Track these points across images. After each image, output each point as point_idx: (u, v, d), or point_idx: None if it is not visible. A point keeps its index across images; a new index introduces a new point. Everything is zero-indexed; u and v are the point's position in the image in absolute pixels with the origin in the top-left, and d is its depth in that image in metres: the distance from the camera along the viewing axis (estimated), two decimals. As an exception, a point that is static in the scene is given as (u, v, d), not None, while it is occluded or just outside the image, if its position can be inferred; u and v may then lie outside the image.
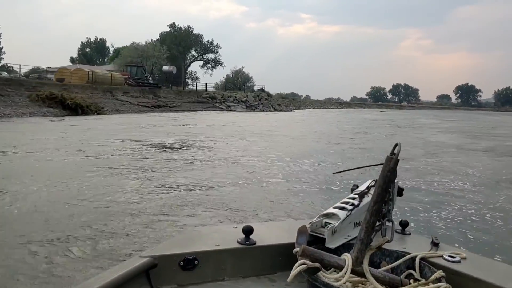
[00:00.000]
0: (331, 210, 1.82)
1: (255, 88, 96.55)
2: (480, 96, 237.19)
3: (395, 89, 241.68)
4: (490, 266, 1.71)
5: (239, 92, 68.82)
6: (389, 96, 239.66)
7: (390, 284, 1.46)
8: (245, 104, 64.51)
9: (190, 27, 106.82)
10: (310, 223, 1.72)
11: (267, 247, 1.71)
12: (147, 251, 1.56)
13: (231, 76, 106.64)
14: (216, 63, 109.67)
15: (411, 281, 1.48)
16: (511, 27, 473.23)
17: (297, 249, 1.51)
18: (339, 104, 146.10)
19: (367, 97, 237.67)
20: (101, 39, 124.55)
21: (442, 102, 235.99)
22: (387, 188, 1.49)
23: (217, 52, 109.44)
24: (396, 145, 1.50)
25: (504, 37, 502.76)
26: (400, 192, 2.04)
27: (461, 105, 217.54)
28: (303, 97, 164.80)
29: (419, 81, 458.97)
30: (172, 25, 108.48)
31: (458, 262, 1.64)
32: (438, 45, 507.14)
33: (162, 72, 75.37)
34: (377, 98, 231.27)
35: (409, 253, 1.67)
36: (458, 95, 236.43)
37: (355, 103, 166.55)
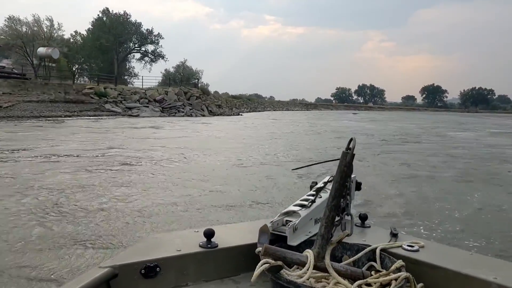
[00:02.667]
0: (291, 208, 1.75)
1: (200, 83, 72.17)
2: (446, 97, 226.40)
3: (361, 89, 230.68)
4: (448, 253, 1.69)
5: (158, 88, 43.63)
6: (355, 97, 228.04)
7: (352, 277, 1.41)
8: (161, 105, 39.59)
9: (127, 14, 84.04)
10: (271, 222, 1.64)
11: (229, 249, 1.62)
12: (107, 261, 1.44)
13: (173, 71, 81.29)
14: (156, 56, 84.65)
15: (373, 272, 1.43)
16: (469, 30, 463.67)
17: (259, 248, 1.42)
18: (304, 105, 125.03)
19: (332, 98, 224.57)
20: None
21: (408, 103, 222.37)
22: (344, 183, 1.45)
23: (157, 43, 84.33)
24: (351, 140, 1.44)
25: (463, 40, 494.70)
26: (358, 186, 2.06)
27: (427, 106, 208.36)
28: (266, 98, 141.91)
29: (383, 82, 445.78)
30: (105, 11, 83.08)
31: (417, 251, 1.62)
32: (400, 47, 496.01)
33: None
34: (342, 99, 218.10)
35: (370, 245, 1.63)
36: (424, 95, 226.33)
37: (321, 104, 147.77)
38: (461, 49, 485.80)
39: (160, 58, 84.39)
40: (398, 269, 1.44)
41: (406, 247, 1.64)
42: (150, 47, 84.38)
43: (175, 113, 41.17)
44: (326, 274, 1.42)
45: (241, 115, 53.25)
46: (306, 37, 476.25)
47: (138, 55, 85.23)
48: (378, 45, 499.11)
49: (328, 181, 1.87)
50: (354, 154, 1.44)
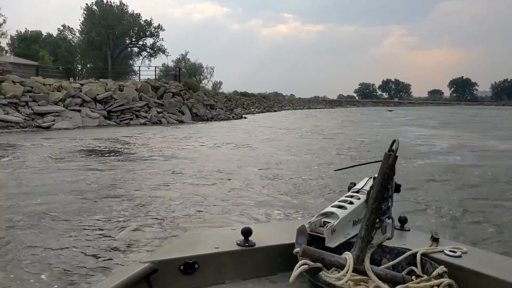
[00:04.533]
0: (329, 209, 1.67)
1: (211, 81, 56.48)
2: (476, 90, 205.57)
3: (385, 85, 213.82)
4: (491, 259, 1.59)
5: (108, 82, 26.96)
6: (379, 93, 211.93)
7: (392, 281, 1.34)
8: (106, 108, 23.15)
9: (124, 4, 67.95)
10: (309, 222, 1.56)
11: (266, 248, 1.56)
12: (147, 256, 1.44)
13: (172, 65, 65.06)
14: (156, 50, 68.79)
15: (413, 277, 1.39)
16: (495, 21, 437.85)
17: (297, 249, 1.37)
18: (327, 102, 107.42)
19: (355, 94, 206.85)
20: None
21: (435, 97, 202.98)
22: (386, 185, 1.39)
23: (157, 36, 68.41)
24: (394, 141, 1.38)
25: (489, 31, 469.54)
26: (397, 188, 1.80)
27: (456, 99, 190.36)
28: (287, 97, 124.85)
29: (407, 77, 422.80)
30: (98, 1, 67.95)
31: (459, 256, 1.52)
32: (422, 41, 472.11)
33: None
34: (366, 95, 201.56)
35: (410, 250, 1.55)
36: (452, 89, 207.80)
37: (346, 100, 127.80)
38: (487, 41, 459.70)
39: (161, 53, 68.92)
40: (441, 275, 1.36)
41: (448, 253, 1.53)
42: (150, 41, 69.14)
43: (130, 119, 24.82)
44: (365, 277, 1.36)
45: (245, 118, 36.66)
46: (325, 34, 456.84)
47: (138, 51, 70.47)
48: (399, 40, 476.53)
49: (367, 183, 1.74)
50: (397, 156, 1.38)
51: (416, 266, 1.48)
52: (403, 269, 1.50)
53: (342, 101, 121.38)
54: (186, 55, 68.27)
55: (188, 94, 31.63)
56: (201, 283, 1.43)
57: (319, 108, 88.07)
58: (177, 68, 42.10)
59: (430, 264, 1.45)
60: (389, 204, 1.48)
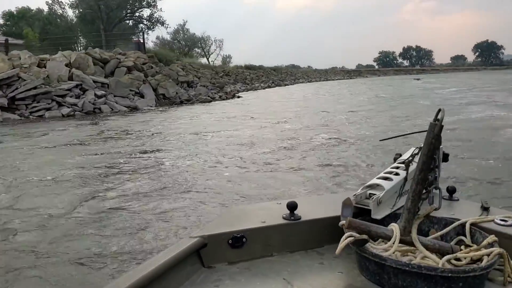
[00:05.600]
0: (375, 180, 1.65)
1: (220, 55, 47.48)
2: (503, 53, 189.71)
3: (406, 52, 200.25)
4: None
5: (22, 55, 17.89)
6: (399, 60, 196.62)
7: (440, 251, 1.32)
8: (7, 93, 14.23)
9: None
10: (354, 195, 1.55)
11: (312, 221, 1.55)
12: (197, 231, 1.43)
13: (169, 38, 56.02)
14: (154, 22, 60.12)
15: (462, 247, 1.34)
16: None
17: (343, 221, 1.34)
18: (346, 73, 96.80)
19: (375, 63, 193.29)
20: None
21: (458, 63, 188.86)
22: (432, 155, 1.34)
23: (154, 6, 59.38)
24: (439, 110, 1.32)
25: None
26: (445, 157, 1.84)
27: (481, 64, 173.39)
28: (304, 69, 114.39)
29: (428, 43, 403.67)
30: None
31: (511, 225, 1.46)
32: (442, 6, 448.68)
33: None
34: (386, 63, 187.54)
35: (458, 219, 1.51)
36: (477, 54, 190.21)
37: (366, 70, 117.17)
38: (510, 1, 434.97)
39: (159, 25, 60.03)
40: (491, 244, 1.30)
41: (499, 222, 1.48)
42: (147, 12, 60.30)
43: (47, 109, 15.96)
44: (412, 248, 1.32)
45: (239, 97, 27.42)
46: (342, 2, 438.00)
47: (134, 23, 61.74)
48: (418, 5, 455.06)
49: (413, 154, 1.61)
50: (442, 126, 1.31)
51: (465, 236, 1.44)
52: (451, 239, 1.46)
53: (361, 71, 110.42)
54: (184, 25, 58.88)
55: (155, 69, 22.54)
56: (250, 255, 1.42)
57: (337, 79, 77.91)
58: (141, 33, 32.77)
59: (480, 234, 1.40)
60: (436, 174, 1.42)
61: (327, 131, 11.18)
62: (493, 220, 1.49)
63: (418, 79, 64.98)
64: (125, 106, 18.23)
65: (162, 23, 60.48)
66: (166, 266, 1.21)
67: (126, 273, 1.20)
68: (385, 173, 1.70)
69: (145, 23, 61.30)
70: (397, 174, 1.66)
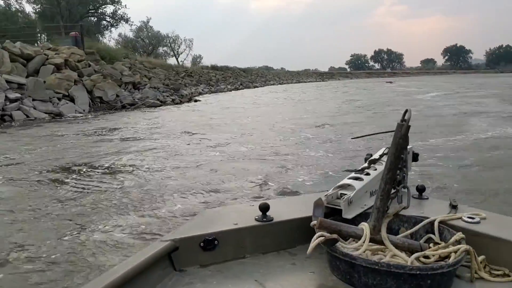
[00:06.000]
0: (346, 181, 1.64)
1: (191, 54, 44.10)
2: (471, 57, 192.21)
3: (377, 55, 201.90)
4: (511, 224, 1.54)
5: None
6: (371, 63, 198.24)
7: (409, 249, 1.33)
8: None
9: None
10: (325, 195, 1.54)
11: (284, 222, 1.55)
12: (168, 235, 1.42)
13: (132, 36, 52.15)
14: (117, 19, 56.54)
15: (431, 245, 1.35)
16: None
17: (314, 222, 1.36)
18: (318, 75, 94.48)
19: (347, 66, 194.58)
20: None
21: (428, 66, 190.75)
22: (399, 155, 1.34)
23: (118, 3, 55.69)
24: (406, 111, 1.33)
25: None
26: (415, 157, 1.95)
27: (450, 68, 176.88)
28: (277, 70, 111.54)
29: (399, 46, 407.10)
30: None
31: (478, 222, 1.50)
32: (413, 10, 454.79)
33: None
34: (358, 66, 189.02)
35: (428, 218, 1.52)
36: (446, 57, 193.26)
37: (339, 72, 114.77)
38: (479, 8, 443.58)
39: (123, 22, 56.25)
40: (458, 242, 1.33)
41: (466, 219, 1.51)
42: (110, 8, 56.47)
43: None
44: (382, 246, 1.34)
45: (196, 101, 24.00)
46: (315, 6, 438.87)
47: (96, 20, 57.64)
48: (389, 9, 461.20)
49: (383, 153, 1.70)
50: (409, 126, 1.32)
51: (434, 233, 1.46)
52: (421, 237, 1.48)
53: (334, 73, 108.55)
54: (148, 22, 55.00)
55: (94, 67, 18.97)
56: (222, 258, 1.42)
57: (309, 82, 75.25)
58: (79, 25, 29.13)
59: (448, 231, 1.43)
60: (404, 173, 1.43)
61: (273, 166, 7.21)
62: (461, 218, 1.52)
63: (390, 82, 62.93)
64: (45, 112, 14.64)
65: (127, 20, 56.73)
66: (136, 270, 1.18)
67: (95, 278, 1.15)
68: (356, 173, 1.71)
69: (108, 20, 57.54)
70: (367, 174, 1.67)
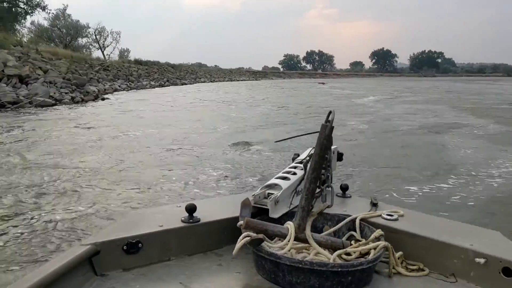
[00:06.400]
0: (273, 180, 1.65)
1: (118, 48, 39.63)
2: (396, 61, 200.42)
3: (309, 56, 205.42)
4: (426, 221, 1.61)
5: None
6: (303, 64, 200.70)
7: (332, 247, 1.37)
8: None
9: None
10: (253, 195, 1.54)
11: (211, 223, 1.52)
12: (89, 238, 1.37)
13: (47, 25, 46.50)
14: (32, 6, 50.53)
15: (352, 242, 1.39)
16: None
17: (240, 222, 1.35)
18: (251, 74, 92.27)
19: (280, 65, 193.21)
20: None
21: (357, 69, 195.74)
22: (324, 155, 1.37)
23: (34, -12, 49.82)
24: (330, 112, 1.37)
25: (405, 4, 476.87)
26: (340, 157, 1.98)
27: (377, 71, 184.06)
28: (211, 67, 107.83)
29: (330, 48, 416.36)
30: None
31: (396, 220, 1.55)
32: (343, 14, 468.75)
33: None
34: (291, 66, 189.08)
35: (350, 215, 1.56)
36: (374, 60, 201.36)
37: (272, 72, 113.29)
38: (405, 14, 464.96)
39: (40, 10, 50.23)
40: (377, 238, 1.38)
41: (386, 216, 1.56)
42: (23, -5, 50.19)
43: None
44: (307, 245, 1.36)
45: (104, 99, 20.09)
46: (250, 4, 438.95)
47: (8, 7, 50.96)
48: (321, 12, 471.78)
49: (310, 153, 1.63)
50: (333, 127, 1.36)
51: (355, 231, 1.49)
52: (343, 234, 1.51)
53: (267, 73, 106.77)
54: (65, 10, 49.42)
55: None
56: (146, 261, 1.38)
57: (242, 80, 72.50)
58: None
59: (369, 229, 1.46)
60: (328, 173, 1.46)
61: None
62: (380, 215, 1.56)
63: (323, 83, 61.69)
64: None
65: (43, 8, 50.78)
66: (54, 276, 1.13)
67: (12, 285, 1.09)
68: (283, 173, 1.71)
69: (22, 6, 51.29)
70: (294, 173, 1.68)
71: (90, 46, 60.89)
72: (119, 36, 64.97)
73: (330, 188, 1.50)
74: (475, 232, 1.50)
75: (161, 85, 38.74)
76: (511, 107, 21.53)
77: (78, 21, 51.06)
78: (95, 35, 61.38)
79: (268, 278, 1.29)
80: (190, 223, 1.48)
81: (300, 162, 1.74)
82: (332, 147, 1.55)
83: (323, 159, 1.36)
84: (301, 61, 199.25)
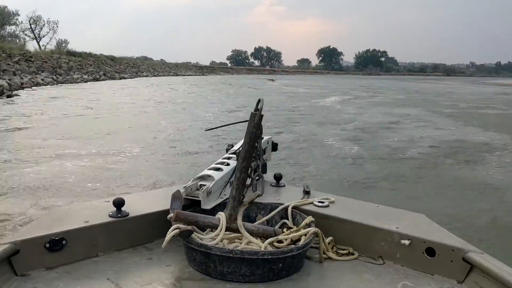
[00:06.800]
0: (206, 172, 1.64)
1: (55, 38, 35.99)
2: (342, 59, 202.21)
3: (257, 52, 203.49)
4: (355, 206, 1.65)
5: None
6: (251, 60, 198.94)
7: (264, 235, 1.37)
8: None
9: None
10: (184, 187, 1.53)
11: (141, 217, 1.48)
12: (8, 237, 1.30)
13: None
14: None
15: (285, 229, 1.41)
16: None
17: (170, 214, 1.33)
18: (198, 68, 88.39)
19: (228, 61, 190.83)
20: None
21: (304, 66, 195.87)
22: (253, 144, 1.37)
23: None
24: (259, 101, 1.35)
25: (351, 3, 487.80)
26: (275, 146, 1.99)
27: (323, 68, 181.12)
28: (156, 61, 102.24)
29: (277, 45, 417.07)
30: None
31: (327, 206, 1.59)
32: (291, 11, 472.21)
33: None
34: (239, 62, 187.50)
35: (283, 204, 1.59)
36: (320, 58, 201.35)
37: (220, 67, 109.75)
38: (351, 12, 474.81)
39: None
40: (308, 225, 1.40)
41: (317, 203, 1.59)
42: None
43: None
44: (239, 234, 1.35)
45: (10, 96, 16.06)
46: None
47: None
48: (269, 8, 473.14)
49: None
50: (262, 115, 1.34)
51: (288, 219, 1.52)
52: (276, 223, 1.53)
53: (215, 68, 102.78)
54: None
55: None
56: (71, 258, 1.32)
57: (188, 75, 68.49)
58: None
59: (300, 216, 1.49)
60: (259, 162, 1.44)
61: None
62: (312, 203, 1.60)
63: (272, 80, 59.08)
64: None
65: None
66: None
67: None
68: (216, 163, 1.68)
69: None
70: (228, 164, 1.66)
71: (25, 36, 56.30)
72: (57, 26, 60.56)
73: (261, 178, 1.51)
74: (401, 215, 1.55)
75: (96, 79, 34.40)
76: (497, 112, 19.34)
77: (5, 7, 45.39)
78: (30, 24, 56.49)
79: (199, 270, 1.27)
80: (118, 218, 1.42)
81: (234, 153, 1.71)
82: (267, 137, 1.65)
83: (253, 148, 1.34)
84: (249, 57, 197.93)
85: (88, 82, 31.59)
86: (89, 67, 37.37)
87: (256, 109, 1.33)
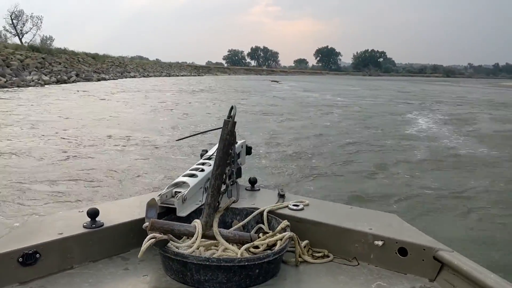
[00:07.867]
0: (180, 178, 1.59)
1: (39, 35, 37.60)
2: (340, 59, 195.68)
3: (254, 52, 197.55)
4: (330, 209, 1.64)
5: None
6: (247, 60, 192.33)
7: (240, 241, 1.35)
8: None
9: None
10: (159, 195, 1.47)
11: (116, 227, 1.42)
12: None
13: None
14: None
15: (261, 234, 1.37)
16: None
17: (146, 223, 1.29)
18: (193, 68, 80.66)
19: (224, 61, 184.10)
20: None
21: (301, 66, 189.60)
22: (227, 150, 1.34)
23: None
24: (232, 108, 1.33)
25: (345, 4, 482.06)
26: (249, 150, 1.95)
27: (321, 68, 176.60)
28: (152, 60, 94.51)
29: (274, 45, 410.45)
30: None
31: (302, 209, 1.57)
32: (286, 11, 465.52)
33: None
34: (235, 62, 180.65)
35: (258, 208, 1.55)
36: (318, 58, 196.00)
37: (216, 67, 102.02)
38: (347, 12, 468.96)
39: None
40: (284, 229, 1.38)
41: (292, 207, 1.57)
42: None
43: None
44: (215, 241, 1.33)
45: None
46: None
47: None
48: (265, 9, 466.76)
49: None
50: (235, 122, 1.33)
51: (264, 223, 1.48)
52: (252, 228, 1.49)
53: (211, 68, 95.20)
54: None
55: None
56: (46, 272, 1.27)
57: (182, 76, 60.83)
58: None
59: (276, 220, 1.45)
60: (233, 169, 1.41)
61: None
62: (287, 206, 1.56)
63: (276, 82, 51.64)
64: None
65: None
66: None
67: None
68: (191, 170, 1.64)
69: None
70: (202, 170, 1.63)
71: (6, 32, 50.43)
72: (41, 22, 54.88)
73: (236, 183, 1.47)
74: (374, 216, 1.53)
75: (63, 81, 26.67)
76: None
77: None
78: (11, 19, 50.06)
79: (176, 279, 1.24)
80: (92, 229, 1.37)
81: (209, 158, 1.70)
82: (241, 141, 1.61)
83: (227, 154, 1.32)
84: (246, 57, 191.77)
85: (52, 85, 23.91)
86: (56, 66, 29.49)
87: (229, 116, 1.31)
